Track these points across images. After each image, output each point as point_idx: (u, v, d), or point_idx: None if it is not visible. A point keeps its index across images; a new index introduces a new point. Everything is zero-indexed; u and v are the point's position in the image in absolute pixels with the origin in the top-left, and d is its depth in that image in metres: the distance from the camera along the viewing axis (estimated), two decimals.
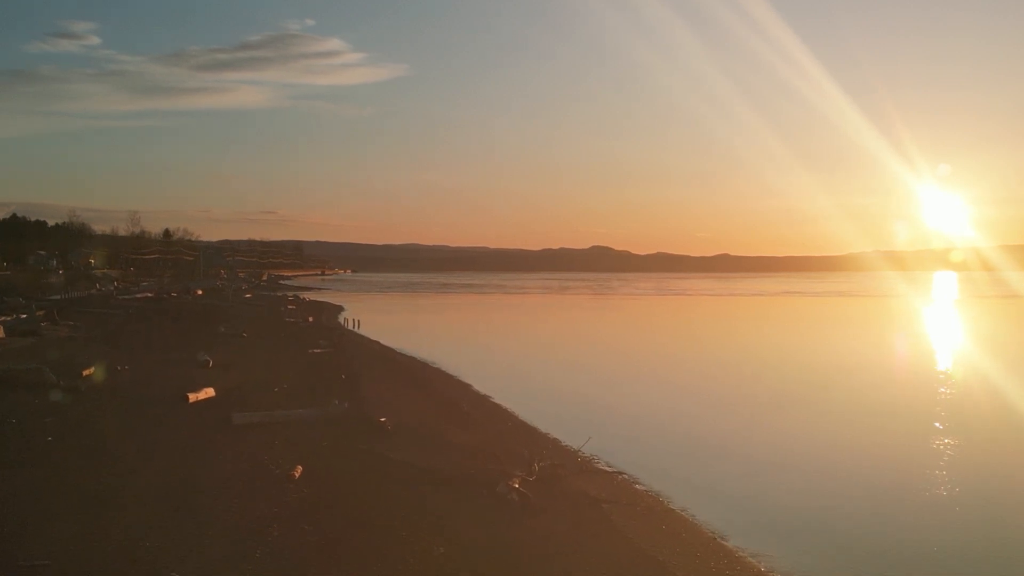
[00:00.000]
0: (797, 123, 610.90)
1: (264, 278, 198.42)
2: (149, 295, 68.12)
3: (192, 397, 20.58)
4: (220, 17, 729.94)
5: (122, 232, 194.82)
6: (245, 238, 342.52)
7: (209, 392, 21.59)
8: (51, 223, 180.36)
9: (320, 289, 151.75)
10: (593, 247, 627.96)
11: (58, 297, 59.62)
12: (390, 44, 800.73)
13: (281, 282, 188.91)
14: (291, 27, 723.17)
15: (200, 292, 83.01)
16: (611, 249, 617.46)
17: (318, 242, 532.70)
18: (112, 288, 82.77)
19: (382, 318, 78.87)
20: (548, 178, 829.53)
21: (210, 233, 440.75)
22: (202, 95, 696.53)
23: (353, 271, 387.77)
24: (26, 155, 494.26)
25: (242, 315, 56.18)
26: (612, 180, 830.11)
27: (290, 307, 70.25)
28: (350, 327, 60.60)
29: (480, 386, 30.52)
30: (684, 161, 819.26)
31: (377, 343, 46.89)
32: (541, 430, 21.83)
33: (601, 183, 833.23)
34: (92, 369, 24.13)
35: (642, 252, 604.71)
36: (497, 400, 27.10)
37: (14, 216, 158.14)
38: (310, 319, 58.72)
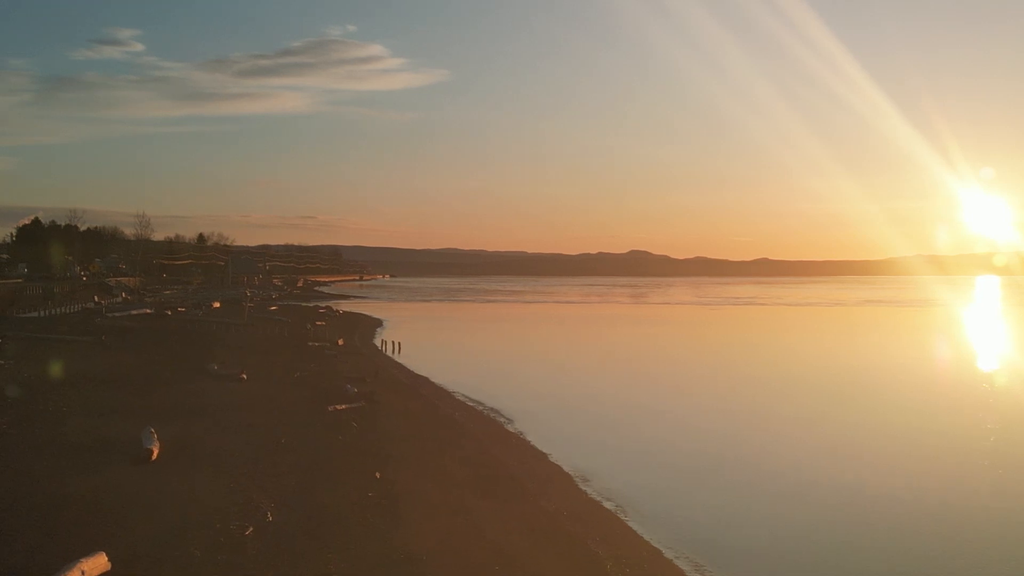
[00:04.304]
0: (838, 127, 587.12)
1: (300, 284, 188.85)
2: (148, 311, 57.43)
3: None
4: (262, 23, 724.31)
5: (158, 237, 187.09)
6: (283, 243, 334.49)
7: (95, 566, 10.14)
8: (82, 228, 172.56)
9: (357, 298, 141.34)
10: (631, 252, 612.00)
11: (36, 314, 49.39)
12: (431, 50, 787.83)
13: (317, 289, 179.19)
14: (332, 33, 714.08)
15: (217, 305, 72.16)
16: (650, 254, 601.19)
17: (357, 247, 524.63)
18: (119, 299, 72.47)
19: (427, 337, 67.38)
20: (586, 183, 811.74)
21: (249, 238, 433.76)
22: (244, 101, 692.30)
23: (391, 276, 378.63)
24: (70, 161, 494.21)
25: (254, 339, 45.03)
26: (650, 184, 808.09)
27: (319, 324, 59.08)
28: (389, 351, 49.43)
29: (602, 483, 18.78)
30: (723, 165, 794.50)
31: (426, 380, 35.41)
32: None
33: (639, 187, 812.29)
34: None
35: (681, 257, 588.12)
36: (659, 542, 15.18)
37: (36, 221, 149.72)
38: (340, 341, 47.50)
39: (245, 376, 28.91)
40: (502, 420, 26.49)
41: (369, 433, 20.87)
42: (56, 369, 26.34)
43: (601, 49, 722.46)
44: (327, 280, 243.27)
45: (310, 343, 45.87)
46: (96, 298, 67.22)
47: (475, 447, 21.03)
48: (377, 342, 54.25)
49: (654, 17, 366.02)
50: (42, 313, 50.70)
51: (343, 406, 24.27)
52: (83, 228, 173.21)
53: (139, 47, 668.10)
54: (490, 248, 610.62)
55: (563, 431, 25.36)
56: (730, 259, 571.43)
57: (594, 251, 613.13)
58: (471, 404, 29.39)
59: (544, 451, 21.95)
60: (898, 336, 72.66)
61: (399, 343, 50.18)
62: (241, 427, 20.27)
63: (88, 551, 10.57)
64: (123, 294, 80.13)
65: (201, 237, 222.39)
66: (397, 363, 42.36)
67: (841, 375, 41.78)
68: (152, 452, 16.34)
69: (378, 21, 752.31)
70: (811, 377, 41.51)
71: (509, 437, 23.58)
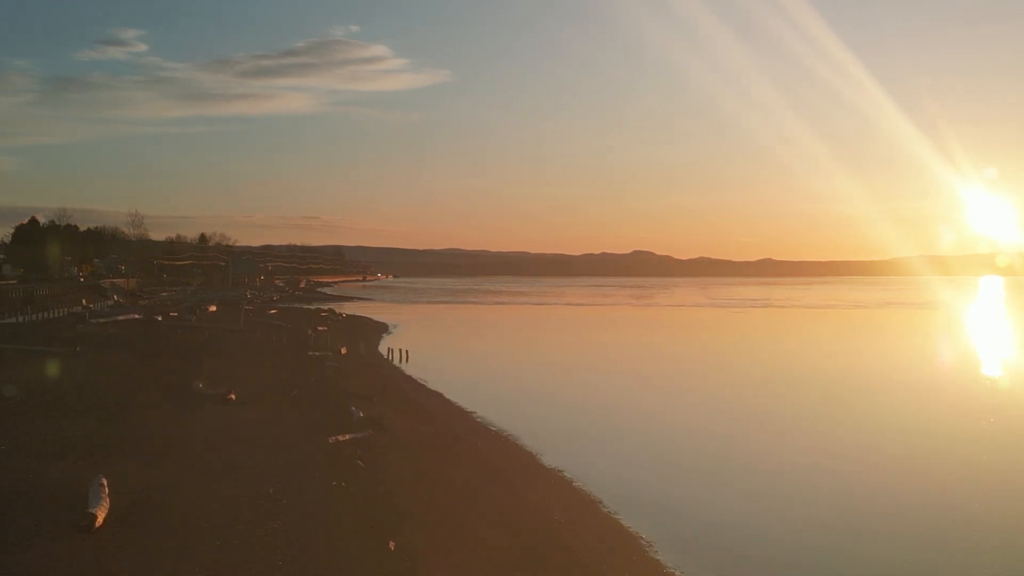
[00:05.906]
0: (842, 127, 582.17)
1: (302, 285, 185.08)
2: (136, 317, 53.54)
3: None
4: (265, 24, 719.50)
5: (160, 237, 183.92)
6: (286, 243, 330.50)
7: None
8: (82, 228, 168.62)
9: (360, 299, 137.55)
10: (634, 252, 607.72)
11: (14, 320, 45.62)
12: (433, 50, 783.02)
13: (319, 290, 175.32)
14: (335, 33, 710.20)
15: (213, 308, 68.20)
16: (653, 254, 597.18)
17: (359, 247, 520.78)
18: (109, 303, 68.65)
19: (436, 343, 63.53)
20: (589, 183, 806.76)
21: (252, 238, 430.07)
22: (247, 101, 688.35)
23: (394, 276, 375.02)
24: (74, 161, 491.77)
25: (249, 348, 41.11)
26: (653, 185, 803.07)
27: (320, 329, 55.15)
28: (396, 360, 45.62)
29: (672, 542, 14.89)
30: (727, 166, 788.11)
31: (439, 397, 31.55)
32: None
33: (641, 187, 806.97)
34: None
35: (684, 257, 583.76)
36: None
37: (33, 221, 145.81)
38: (343, 350, 43.65)
39: (234, 396, 24.98)
40: (533, 451, 22.60)
41: (378, 475, 16.96)
42: (8, 390, 22.46)
43: (601, 49, 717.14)
44: (330, 281, 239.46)
45: (310, 352, 41.96)
46: (84, 301, 63.37)
47: (508, 495, 17.12)
48: (383, 349, 50.43)
49: (655, 17, 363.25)
50: (21, 318, 46.86)
51: (346, 436, 20.38)
52: (83, 228, 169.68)
53: (143, 48, 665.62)
54: (492, 248, 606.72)
55: (606, 465, 21.44)
56: (733, 259, 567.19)
57: (597, 251, 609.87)
58: (494, 429, 25.50)
59: (592, 495, 18.04)
60: (949, 341, 68.57)
61: (407, 351, 46.38)
62: (221, 471, 16.34)
63: None
64: (115, 296, 76.20)
65: (203, 237, 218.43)
66: (406, 375, 38.54)
67: (920, 382, 37.85)
68: (96, 518, 12.40)
69: (381, 21, 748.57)
70: (890, 388, 37.16)
71: (546, 476, 19.67)
